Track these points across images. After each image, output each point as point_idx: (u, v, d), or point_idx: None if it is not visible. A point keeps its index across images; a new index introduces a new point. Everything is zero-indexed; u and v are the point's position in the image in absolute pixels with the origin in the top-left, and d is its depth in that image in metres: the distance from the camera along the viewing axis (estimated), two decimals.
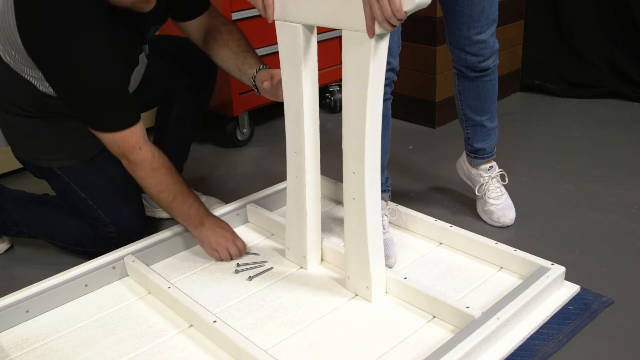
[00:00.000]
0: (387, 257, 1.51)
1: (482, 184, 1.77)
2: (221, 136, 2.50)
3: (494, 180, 1.77)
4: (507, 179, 1.80)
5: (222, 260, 1.59)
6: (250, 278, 1.54)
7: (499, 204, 1.74)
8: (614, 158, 2.16)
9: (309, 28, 1.30)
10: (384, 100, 1.53)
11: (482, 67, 1.60)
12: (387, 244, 1.54)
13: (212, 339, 1.32)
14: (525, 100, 2.84)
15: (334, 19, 1.19)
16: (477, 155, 1.78)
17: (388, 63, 1.42)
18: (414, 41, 2.45)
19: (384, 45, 1.17)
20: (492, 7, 1.53)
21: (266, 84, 1.52)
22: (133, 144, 1.45)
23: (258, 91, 1.59)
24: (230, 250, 1.57)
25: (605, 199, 1.87)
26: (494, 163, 1.79)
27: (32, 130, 1.58)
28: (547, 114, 2.63)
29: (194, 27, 1.67)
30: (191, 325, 1.38)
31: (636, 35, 2.64)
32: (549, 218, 1.78)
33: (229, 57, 1.64)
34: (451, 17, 1.53)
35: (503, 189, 1.78)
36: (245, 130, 2.49)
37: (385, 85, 1.48)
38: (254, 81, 1.58)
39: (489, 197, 1.75)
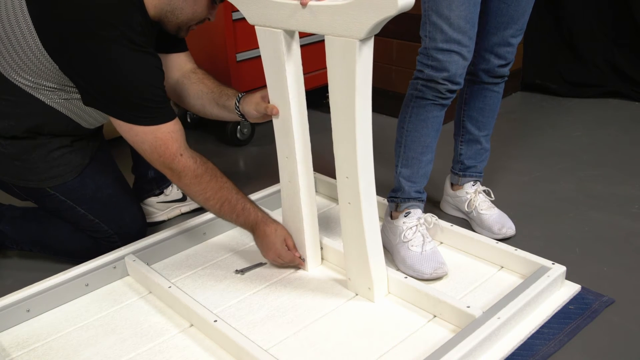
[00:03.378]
0: (442, 264, 1.49)
1: (470, 200, 1.73)
2: (222, 136, 2.50)
3: (480, 195, 1.74)
4: (493, 196, 1.77)
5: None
6: (242, 272, 1.55)
7: (493, 214, 1.69)
8: (615, 158, 2.16)
9: (289, 33, 1.29)
10: (446, 106, 1.52)
11: (500, 72, 1.61)
12: (435, 252, 1.52)
13: (212, 339, 1.32)
14: (526, 99, 2.84)
15: (316, 24, 1.19)
16: (465, 173, 1.76)
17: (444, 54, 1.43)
18: (414, 40, 2.45)
19: (369, 49, 1.16)
20: (528, 16, 1.55)
21: (275, 110, 1.41)
22: (174, 151, 1.37)
23: (245, 119, 1.55)
24: (279, 263, 1.54)
25: (606, 199, 1.87)
26: (478, 183, 1.77)
27: (19, 152, 1.48)
28: (547, 114, 2.63)
29: (170, 64, 1.60)
30: (192, 325, 1.38)
31: (636, 35, 2.64)
32: (549, 217, 1.78)
33: (204, 93, 1.59)
34: (491, 17, 1.53)
35: (491, 203, 1.74)
36: (245, 130, 2.49)
37: (443, 89, 1.47)
38: (239, 110, 1.54)
39: (480, 210, 1.70)
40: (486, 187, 1.79)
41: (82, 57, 1.32)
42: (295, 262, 1.53)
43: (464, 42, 1.42)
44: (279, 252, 1.50)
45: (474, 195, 1.73)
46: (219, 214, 1.47)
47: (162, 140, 1.37)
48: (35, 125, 1.47)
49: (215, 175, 1.43)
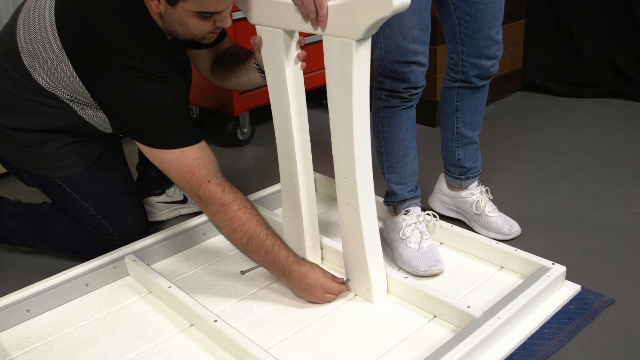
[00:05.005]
0: (437, 261, 1.50)
1: (478, 201, 1.72)
2: (222, 136, 2.50)
3: (484, 195, 1.73)
4: (490, 194, 1.76)
5: None
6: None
7: (499, 215, 1.69)
8: (615, 157, 2.16)
9: (289, 33, 1.29)
10: (414, 105, 1.52)
11: (492, 72, 1.59)
12: (432, 249, 1.53)
13: (212, 339, 1.32)
14: (526, 99, 2.84)
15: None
16: (468, 175, 1.74)
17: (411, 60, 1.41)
18: None
19: (366, 49, 1.16)
20: (504, 7, 1.53)
21: (257, 38, 1.38)
22: (200, 177, 1.34)
23: (264, 73, 1.46)
24: (329, 299, 1.41)
25: (606, 199, 1.87)
26: (480, 182, 1.76)
27: (33, 142, 1.52)
28: (547, 114, 2.63)
29: (200, 58, 1.63)
30: (192, 325, 1.38)
31: (636, 35, 2.64)
32: (549, 217, 1.78)
33: (236, 64, 1.57)
34: (472, 21, 1.51)
35: (492, 203, 1.73)
36: (246, 130, 2.49)
37: (411, 88, 1.47)
38: (257, 64, 1.50)
39: (488, 212, 1.69)
40: (486, 187, 1.79)
41: (108, 90, 1.36)
42: (342, 291, 1.42)
43: (419, 50, 1.42)
44: (327, 286, 1.38)
45: (481, 196, 1.72)
46: (246, 249, 1.38)
47: (187, 167, 1.35)
48: (61, 126, 1.51)
49: (245, 206, 1.36)
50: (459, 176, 1.75)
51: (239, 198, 1.36)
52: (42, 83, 1.44)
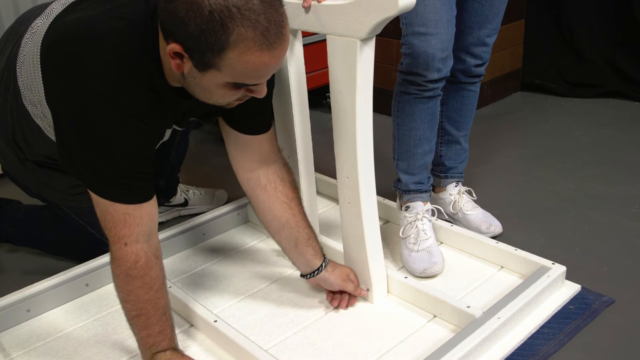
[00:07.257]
0: (433, 264, 1.49)
1: (455, 201, 1.72)
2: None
3: (464, 195, 1.73)
4: (475, 195, 1.76)
5: None
6: None
7: (479, 214, 1.69)
8: (615, 157, 2.16)
9: (292, 32, 1.29)
10: (434, 97, 1.50)
11: (476, 72, 1.60)
12: (430, 251, 1.51)
13: (212, 339, 1.32)
14: (526, 99, 2.84)
15: (318, 23, 1.19)
16: (447, 174, 1.74)
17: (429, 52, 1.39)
18: None
19: (370, 49, 1.16)
20: (502, 15, 1.55)
21: (355, 291, 1.39)
22: (120, 235, 1.15)
23: (306, 276, 1.39)
24: None
25: (606, 199, 1.87)
26: (460, 184, 1.76)
27: (43, 176, 1.45)
28: (547, 114, 2.63)
29: (243, 145, 1.35)
30: (192, 325, 1.38)
31: (636, 35, 2.64)
32: (549, 217, 1.78)
33: (289, 224, 1.35)
34: (466, 17, 1.52)
35: (474, 203, 1.73)
36: None
37: (436, 81, 1.45)
38: (317, 273, 1.37)
39: (466, 210, 1.69)
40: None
41: (63, 113, 1.12)
42: None
43: (439, 24, 1.39)
44: None
45: (458, 196, 1.73)
46: (131, 320, 1.21)
47: (112, 216, 1.14)
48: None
49: (150, 287, 1.18)
50: (439, 174, 1.75)
51: (149, 278, 1.18)
52: (41, 126, 1.33)
